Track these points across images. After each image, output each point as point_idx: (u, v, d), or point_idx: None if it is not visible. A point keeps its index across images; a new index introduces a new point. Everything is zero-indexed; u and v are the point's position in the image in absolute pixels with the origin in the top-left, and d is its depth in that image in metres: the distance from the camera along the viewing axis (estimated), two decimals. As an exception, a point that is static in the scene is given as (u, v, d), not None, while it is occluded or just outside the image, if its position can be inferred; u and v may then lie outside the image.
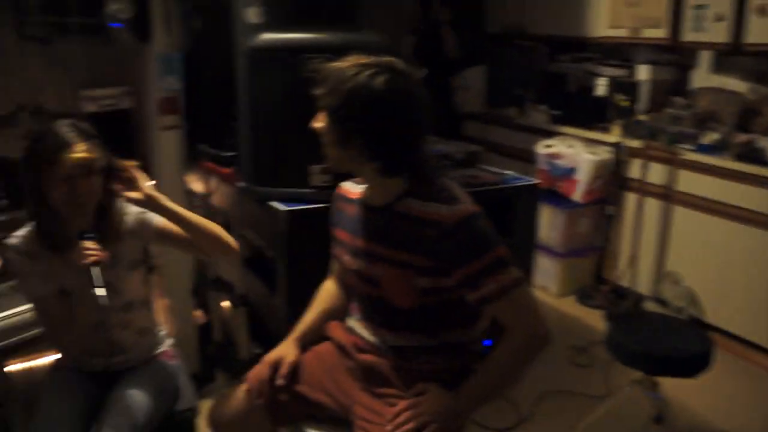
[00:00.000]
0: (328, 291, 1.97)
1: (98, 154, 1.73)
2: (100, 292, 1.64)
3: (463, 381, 1.64)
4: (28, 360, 2.84)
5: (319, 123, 1.60)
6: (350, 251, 1.73)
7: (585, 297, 4.06)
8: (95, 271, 1.67)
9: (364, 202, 1.70)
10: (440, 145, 3.04)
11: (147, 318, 2.00)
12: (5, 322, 2.24)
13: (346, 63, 1.55)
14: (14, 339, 2.25)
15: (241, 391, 1.87)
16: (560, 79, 4.39)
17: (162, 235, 1.87)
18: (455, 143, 3.37)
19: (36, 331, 2.22)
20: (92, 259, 1.67)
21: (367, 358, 1.73)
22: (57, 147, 1.68)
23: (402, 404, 1.59)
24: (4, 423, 2.43)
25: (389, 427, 1.55)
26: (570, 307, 4.02)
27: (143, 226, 1.86)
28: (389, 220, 1.62)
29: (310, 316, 1.94)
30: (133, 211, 1.86)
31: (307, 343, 1.90)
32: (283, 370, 1.81)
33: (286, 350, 1.87)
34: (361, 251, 1.69)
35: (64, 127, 1.72)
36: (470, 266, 1.52)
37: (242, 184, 2.56)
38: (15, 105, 3.43)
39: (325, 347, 1.89)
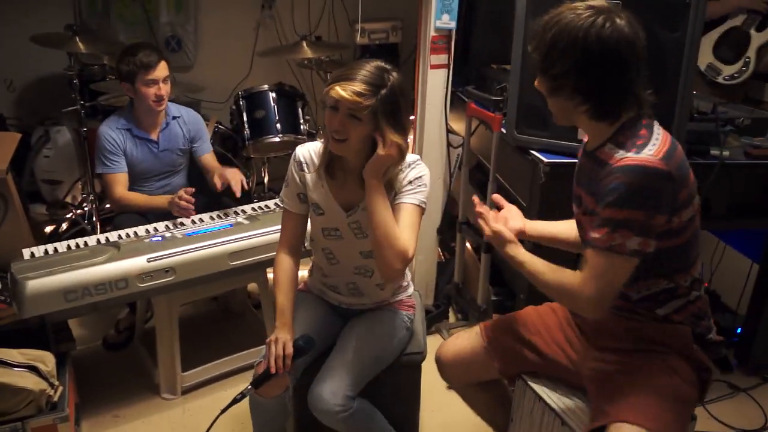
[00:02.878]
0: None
1: (365, 99, 1.71)
2: None
3: (690, 347, 1.63)
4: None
5: (536, 82, 1.61)
6: (574, 200, 1.74)
7: None
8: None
9: (584, 148, 1.70)
10: (723, 108, 2.72)
11: None
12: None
13: (552, 14, 1.54)
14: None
15: (472, 332, 1.92)
16: None
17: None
18: (741, 107, 3.00)
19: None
20: None
21: None
22: (335, 79, 1.75)
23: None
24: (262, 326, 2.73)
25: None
26: None
27: (398, 191, 1.88)
28: (591, 165, 1.61)
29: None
30: (411, 174, 1.88)
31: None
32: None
33: None
34: (576, 198, 1.71)
35: (368, 68, 1.75)
36: (604, 210, 1.48)
37: (505, 130, 2.52)
38: (298, 36, 3.71)
39: (557, 305, 1.90)
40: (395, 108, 1.76)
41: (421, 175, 1.88)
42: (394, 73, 1.78)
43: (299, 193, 1.97)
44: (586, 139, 1.71)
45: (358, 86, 1.71)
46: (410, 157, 1.90)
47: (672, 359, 1.62)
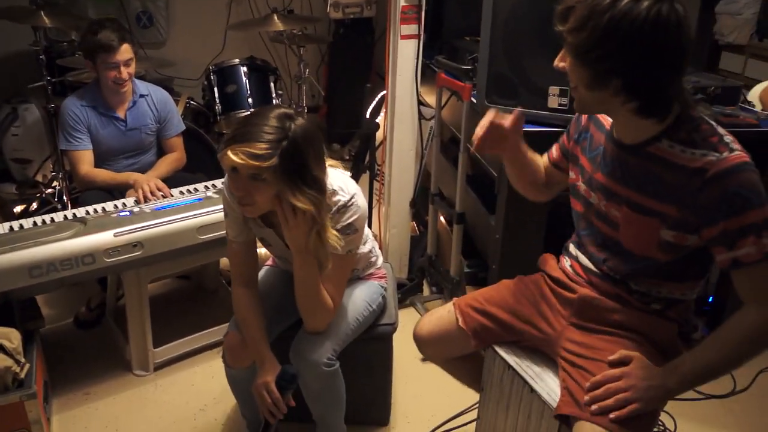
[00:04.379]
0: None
1: (264, 161, 1.53)
2: None
3: (673, 344, 1.55)
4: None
5: (563, 63, 1.40)
6: (587, 182, 1.61)
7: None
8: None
9: (612, 137, 1.53)
10: (694, 77, 2.71)
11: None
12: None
13: None
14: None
15: (446, 310, 1.89)
16: None
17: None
18: (711, 76, 3.00)
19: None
20: None
21: (588, 292, 1.64)
22: (229, 140, 1.56)
23: (601, 375, 1.47)
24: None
25: (586, 398, 1.45)
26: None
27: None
28: (640, 161, 1.45)
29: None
30: (342, 220, 1.77)
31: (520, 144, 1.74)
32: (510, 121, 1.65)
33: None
34: (602, 187, 1.56)
35: (267, 121, 1.56)
36: (729, 222, 1.32)
37: (475, 99, 2.50)
38: (270, 8, 3.66)
39: (531, 279, 1.84)
40: (299, 163, 1.58)
41: (352, 221, 1.77)
42: (299, 120, 1.60)
43: (244, 219, 1.81)
44: (608, 126, 1.56)
45: (255, 148, 1.52)
46: (344, 193, 1.77)
47: (648, 349, 1.54)
